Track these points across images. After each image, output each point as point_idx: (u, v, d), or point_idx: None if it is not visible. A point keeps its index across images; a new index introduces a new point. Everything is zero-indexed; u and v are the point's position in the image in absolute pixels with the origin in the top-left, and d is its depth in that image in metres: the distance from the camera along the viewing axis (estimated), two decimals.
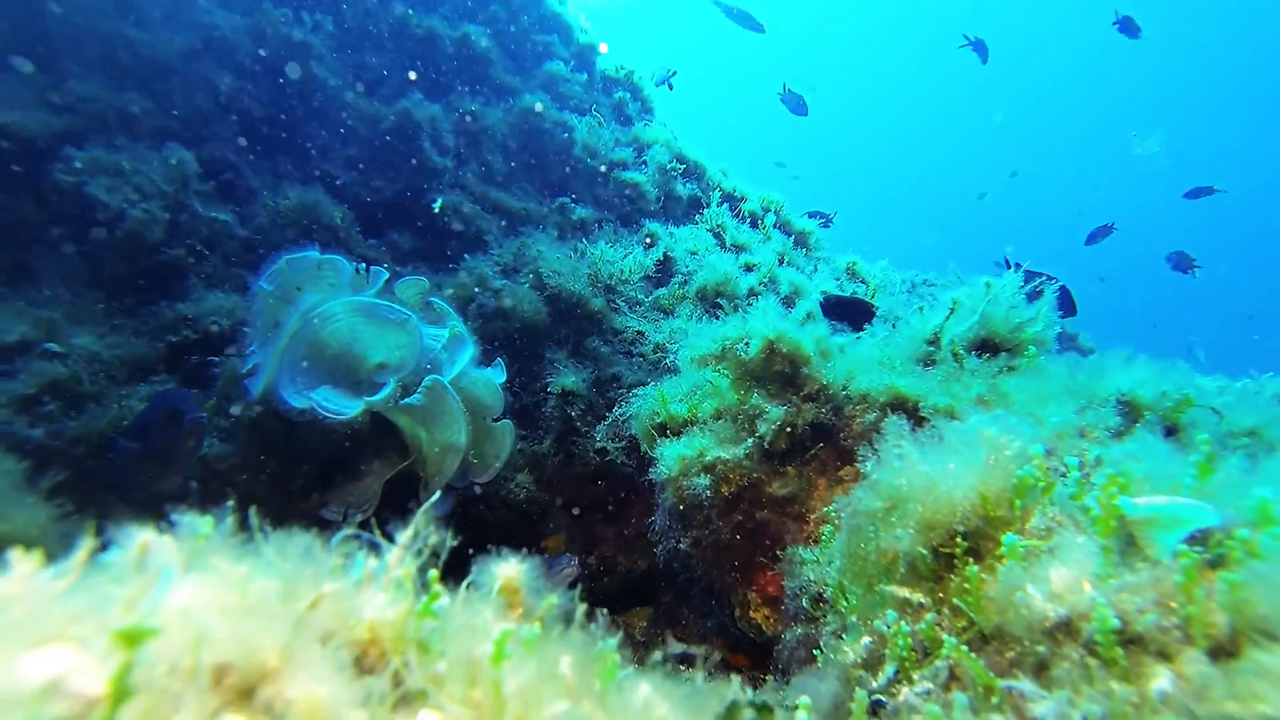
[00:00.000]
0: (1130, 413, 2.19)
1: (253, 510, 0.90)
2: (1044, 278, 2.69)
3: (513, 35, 6.61)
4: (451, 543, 1.13)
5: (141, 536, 0.77)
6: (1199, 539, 1.20)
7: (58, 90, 3.78)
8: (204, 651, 0.68)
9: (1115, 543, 1.23)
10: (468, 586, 1.09)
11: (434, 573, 0.92)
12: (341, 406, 3.22)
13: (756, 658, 3.07)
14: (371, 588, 0.97)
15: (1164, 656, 1.02)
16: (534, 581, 1.18)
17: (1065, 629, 1.14)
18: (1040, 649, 1.15)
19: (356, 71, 5.58)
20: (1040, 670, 1.14)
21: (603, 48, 7.02)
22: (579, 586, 3.99)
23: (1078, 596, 1.15)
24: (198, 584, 0.80)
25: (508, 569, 1.14)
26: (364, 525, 3.21)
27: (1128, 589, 1.10)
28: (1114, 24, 8.23)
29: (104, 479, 2.58)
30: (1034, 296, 2.69)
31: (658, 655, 3.29)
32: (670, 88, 7.48)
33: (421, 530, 0.97)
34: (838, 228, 7.21)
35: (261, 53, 4.97)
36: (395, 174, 5.22)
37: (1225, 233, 45.12)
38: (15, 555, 0.71)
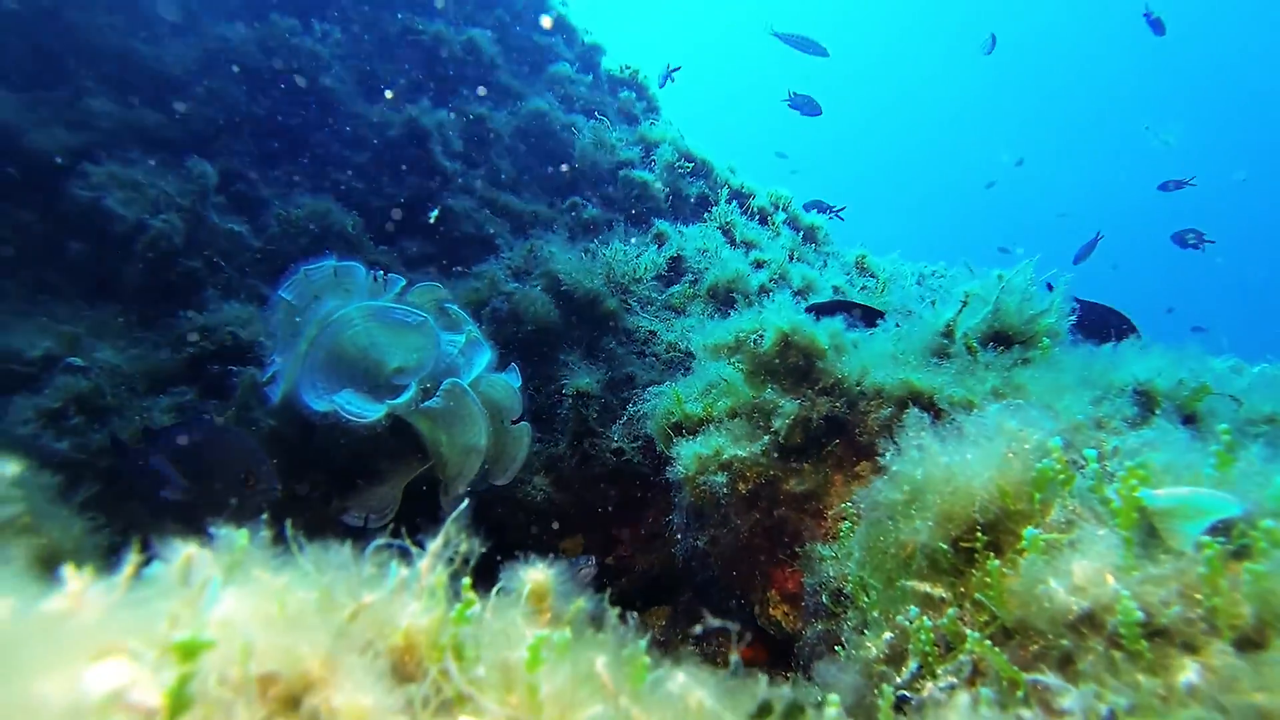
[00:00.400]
0: (1147, 402, 2.19)
1: (288, 523, 0.92)
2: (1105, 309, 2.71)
3: (517, 38, 6.63)
4: (481, 549, 1.15)
5: (185, 550, 0.80)
6: (1221, 529, 1.20)
7: (72, 107, 3.83)
8: (251, 662, 0.71)
9: (1137, 534, 1.24)
10: (497, 592, 1.11)
11: (466, 580, 0.94)
12: (364, 409, 3.25)
13: (775, 654, 3.08)
14: (404, 595, 0.99)
15: (1190, 648, 1.03)
16: (562, 585, 1.20)
17: (1089, 622, 1.15)
18: (1064, 642, 1.16)
19: (364, 79, 5.62)
20: (1065, 664, 1.15)
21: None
22: (608, 590, 4.02)
23: (1100, 589, 1.16)
24: (240, 596, 0.82)
25: (536, 574, 1.15)
26: (388, 530, 3.25)
27: (1151, 581, 1.11)
28: (1144, 14, 8.37)
29: (140, 493, 2.59)
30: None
31: (697, 629, 3.28)
32: (672, 80, 7.48)
33: (452, 538, 0.99)
34: (844, 221, 7.20)
35: (271, 63, 5.01)
36: (405, 180, 5.26)
37: (1240, 221, 44.69)
38: (68, 571, 0.73)
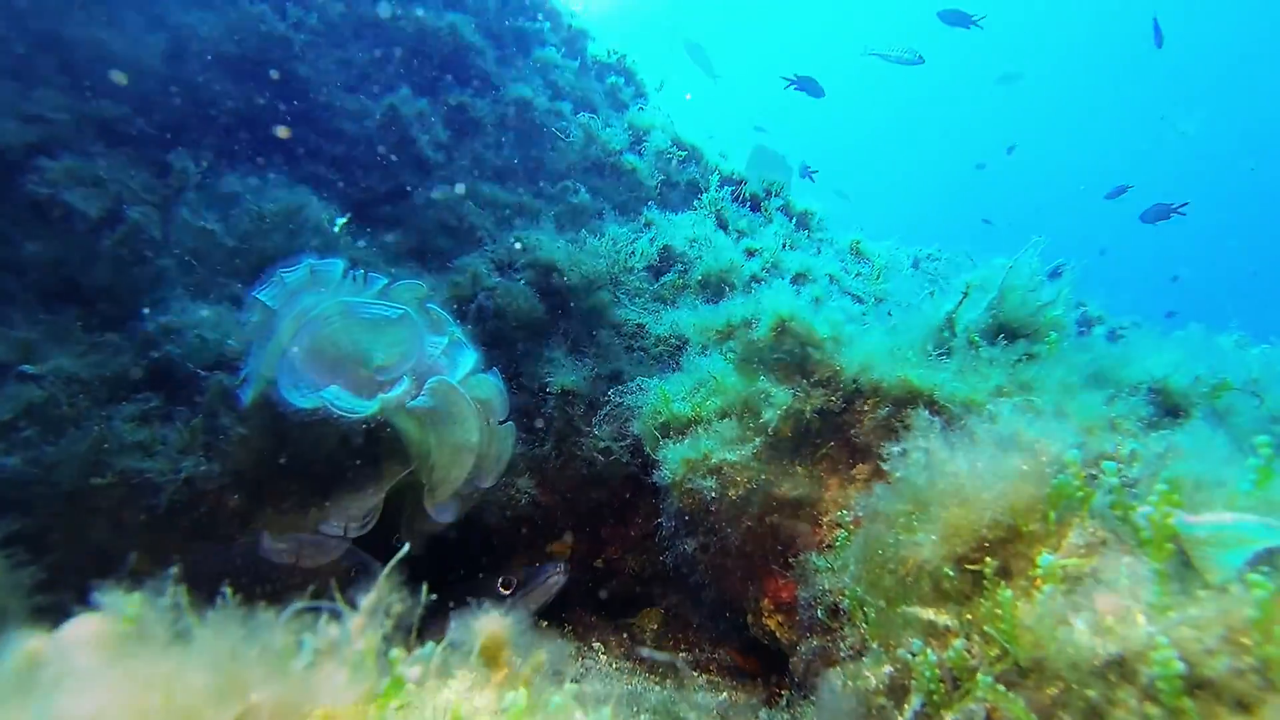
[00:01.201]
0: (1163, 400, 2.06)
1: (183, 589, 0.78)
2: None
3: (501, 23, 6.42)
4: (430, 596, 1.01)
5: (29, 643, 0.65)
6: (1265, 560, 1.07)
7: (26, 97, 3.65)
8: None
9: (1169, 565, 1.10)
10: (444, 649, 0.97)
11: (395, 652, 0.80)
12: (355, 405, 3.11)
13: (768, 662, 2.97)
14: (331, 663, 0.85)
15: (1242, 707, 0.89)
16: (519, 636, 1.06)
17: (1118, 669, 1.02)
18: (1090, 692, 1.02)
19: (342, 67, 5.42)
20: (1091, 717, 1.01)
21: None
22: (592, 593, 3.92)
23: (1131, 631, 1.02)
24: (114, 685, 0.68)
25: (490, 625, 1.02)
26: (361, 541, 3.11)
27: (1191, 624, 0.98)
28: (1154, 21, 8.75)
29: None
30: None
31: (643, 653, 3.13)
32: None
33: (385, 598, 0.85)
34: (835, 203, 7.06)
35: (242, 52, 4.81)
36: (384, 172, 5.08)
37: (1252, 207, 44.69)
38: None
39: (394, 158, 5.11)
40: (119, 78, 3.87)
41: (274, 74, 4.88)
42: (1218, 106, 44.01)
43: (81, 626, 0.77)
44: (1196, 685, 0.94)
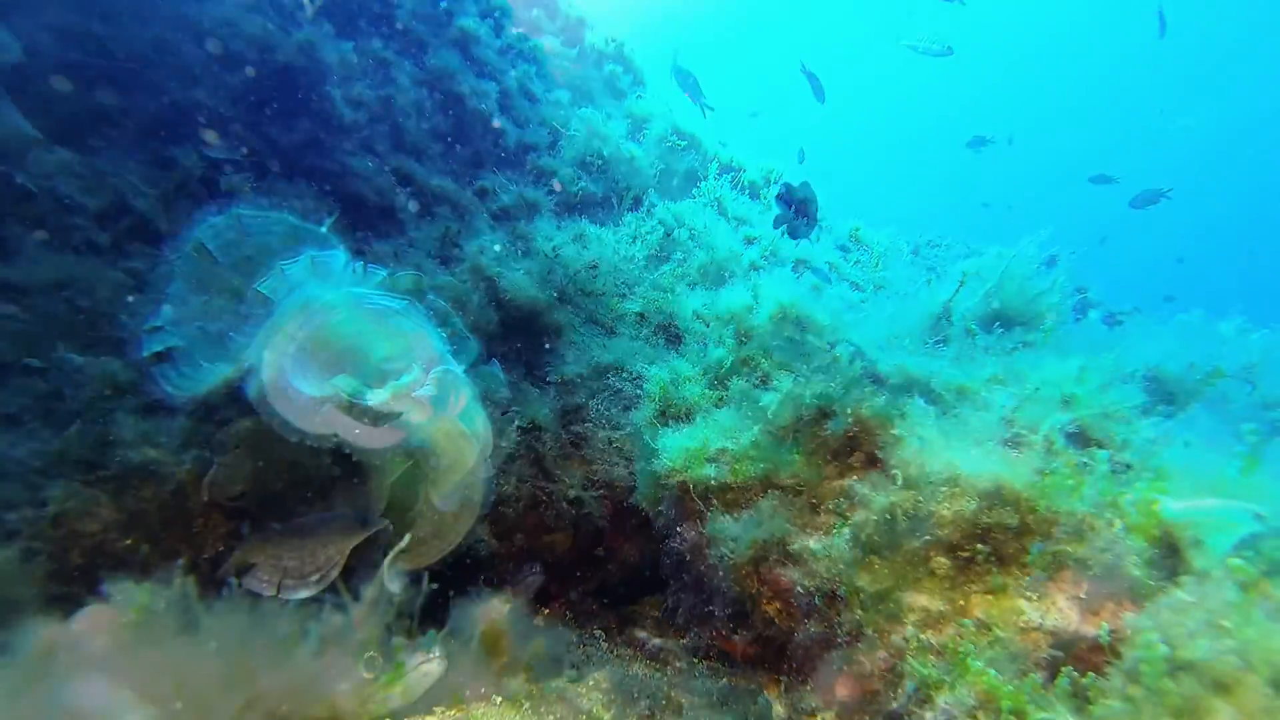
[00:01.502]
0: (1157, 388, 2.07)
1: (189, 580, 0.80)
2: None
3: (499, 11, 6.39)
4: (431, 585, 1.04)
5: (43, 633, 0.68)
6: (1248, 544, 1.09)
7: (22, 90, 3.65)
8: None
9: (1155, 550, 1.13)
10: (445, 637, 0.99)
11: (398, 640, 0.83)
12: (364, 393, 3.13)
13: (766, 648, 3.00)
14: (334, 652, 0.88)
15: (1221, 688, 0.92)
16: (520, 623, 1.09)
17: (1103, 652, 1.04)
18: (1074, 674, 1.05)
19: (338, 59, 5.40)
20: (1076, 698, 1.04)
21: None
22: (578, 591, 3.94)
23: (1116, 616, 1.05)
24: (125, 673, 0.71)
25: (490, 612, 1.04)
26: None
27: (1173, 608, 1.00)
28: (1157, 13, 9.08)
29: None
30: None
31: (640, 635, 3.15)
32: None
33: (386, 588, 0.88)
34: (834, 189, 7.05)
35: (239, 44, 4.80)
36: (381, 164, 5.07)
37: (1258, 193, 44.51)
38: None
39: (392, 151, 5.11)
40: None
41: (270, 65, 4.87)
42: (1220, 96, 43.56)
43: (93, 616, 0.80)
44: (1178, 667, 0.96)
